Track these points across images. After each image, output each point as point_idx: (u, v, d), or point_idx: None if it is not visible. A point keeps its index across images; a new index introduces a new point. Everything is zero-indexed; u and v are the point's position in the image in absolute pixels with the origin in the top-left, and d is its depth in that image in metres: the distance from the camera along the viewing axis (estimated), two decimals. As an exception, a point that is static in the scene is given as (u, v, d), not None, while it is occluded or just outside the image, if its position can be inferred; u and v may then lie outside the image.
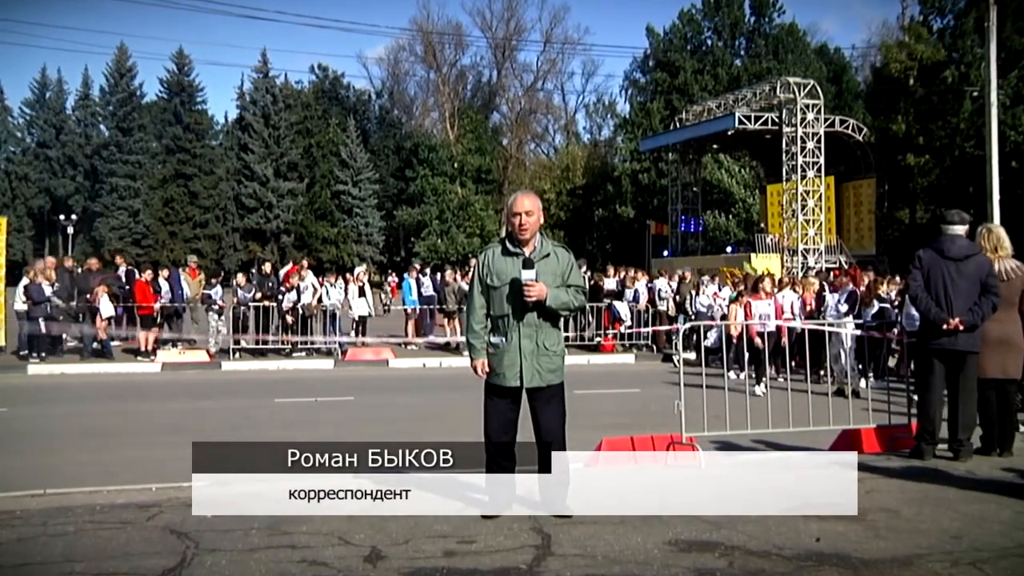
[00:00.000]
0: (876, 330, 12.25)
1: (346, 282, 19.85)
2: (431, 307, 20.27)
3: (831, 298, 14.59)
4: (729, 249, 40.77)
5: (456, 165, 58.44)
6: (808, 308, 15.17)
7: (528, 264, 5.04)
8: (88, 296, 16.91)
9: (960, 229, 6.93)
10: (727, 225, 47.36)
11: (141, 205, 55.91)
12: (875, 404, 7.81)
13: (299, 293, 18.02)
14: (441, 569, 4.26)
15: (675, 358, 15.28)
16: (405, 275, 21.42)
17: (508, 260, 5.16)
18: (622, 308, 19.45)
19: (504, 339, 5.11)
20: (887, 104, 39.35)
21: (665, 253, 41.13)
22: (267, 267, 19.96)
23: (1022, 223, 21.83)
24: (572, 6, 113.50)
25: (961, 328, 6.69)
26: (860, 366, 12.83)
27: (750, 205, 47.29)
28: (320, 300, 18.30)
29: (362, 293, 19.70)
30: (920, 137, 36.06)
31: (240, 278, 18.77)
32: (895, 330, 11.65)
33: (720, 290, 18.58)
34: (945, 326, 6.72)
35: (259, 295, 18.07)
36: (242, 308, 17.89)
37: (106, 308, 16.74)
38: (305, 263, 20.14)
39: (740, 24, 54.97)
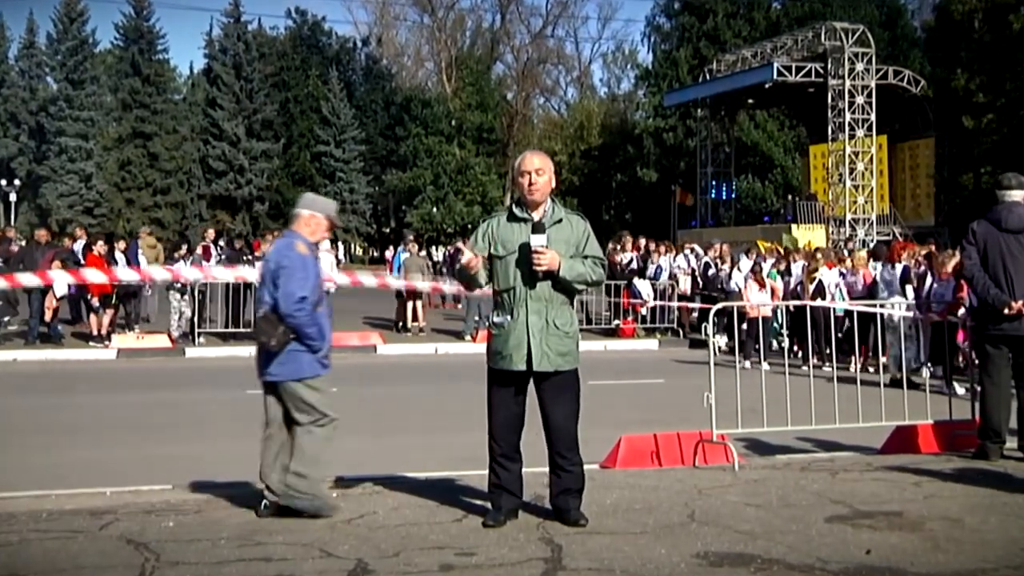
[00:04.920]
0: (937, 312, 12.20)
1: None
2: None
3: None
4: (766, 219, 40.69)
5: (453, 123, 58.21)
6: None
7: (538, 228, 5.00)
8: (36, 272, 16.88)
9: (1018, 195, 6.85)
10: (763, 191, 47.25)
11: (94, 168, 55.75)
12: (934, 397, 7.78)
13: None
14: (436, 585, 4.26)
15: (722, 343, 15.31)
16: (399, 249, 21.42)
17: (515, 226, 5.13)
18: (643, 287, 19.39)
19: (509, 316, 5.08)
20: (948, 53, 39.05)
21: (698, 224, 41.14)
22: (239, 243, 19.96)
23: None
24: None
25: None
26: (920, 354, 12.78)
27: (790, 169, 47.15)
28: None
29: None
30: (986, 91, 35.79)
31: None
32: (960, 312, 11.55)
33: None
34: (1007, 310, 6.66)
35: (229, 272, 18.06)
36: (208, 286, 17.86)
37: (60, 286, 16.71)
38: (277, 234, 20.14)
39: (780, -40, 54.54)
